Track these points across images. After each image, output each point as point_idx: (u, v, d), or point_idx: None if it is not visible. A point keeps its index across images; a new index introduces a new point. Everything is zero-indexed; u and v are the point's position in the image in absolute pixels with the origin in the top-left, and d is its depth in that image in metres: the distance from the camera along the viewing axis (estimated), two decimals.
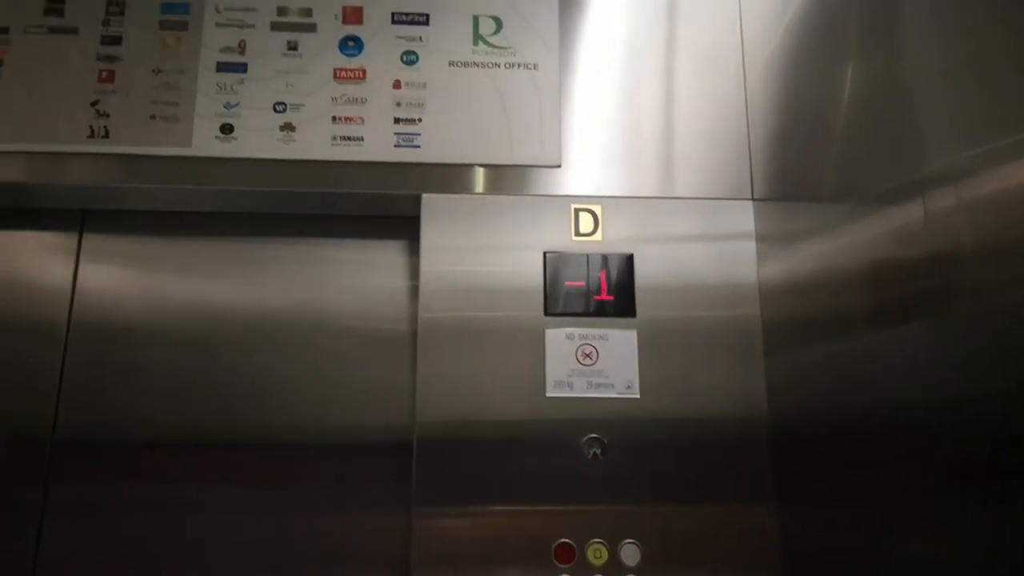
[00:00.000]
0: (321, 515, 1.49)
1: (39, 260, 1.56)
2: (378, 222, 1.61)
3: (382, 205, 1.57)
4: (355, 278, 1.59)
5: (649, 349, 1.46)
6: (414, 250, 1.54)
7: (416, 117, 1.54)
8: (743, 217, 1.53)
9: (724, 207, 1.53)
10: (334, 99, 1.54)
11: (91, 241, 1.58)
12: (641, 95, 1.59)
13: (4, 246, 1.56)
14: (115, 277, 1.56)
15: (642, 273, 1.49)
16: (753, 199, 1.53)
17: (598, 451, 1.40)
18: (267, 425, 1.52)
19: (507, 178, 1.54)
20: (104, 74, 1.52)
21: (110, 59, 1.52)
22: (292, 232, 1.60)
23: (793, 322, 1.38)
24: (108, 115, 1.49)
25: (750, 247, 1.52)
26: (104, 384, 1.52)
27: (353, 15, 1.58)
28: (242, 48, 1.55)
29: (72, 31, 1.54)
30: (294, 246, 1.60)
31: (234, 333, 1.55)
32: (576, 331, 1.45)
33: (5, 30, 1.53)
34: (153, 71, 1.52)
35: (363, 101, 1.54)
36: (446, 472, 1.39)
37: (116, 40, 1.53)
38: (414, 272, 1.56)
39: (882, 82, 1.10)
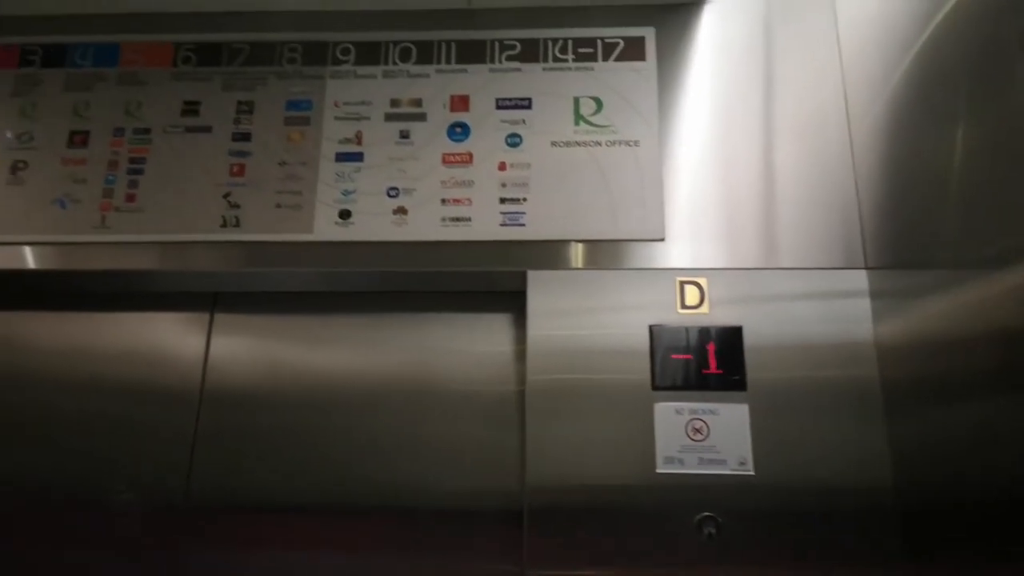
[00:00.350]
0: None
1: (175, 337, 1.69)
2: (485, 296, 1.66)
3: (489, 281, 1.62)
4: (463, 346, 1.64)
5: (762, 421, 1.43)
6: (520, 323, 1.58)
7: (521, 196, 1.60)
8: (856, 283, 1.49)
9: (836, 276, 1.50)
10: (443, 182, 1.62)
11: (221, 319, 1.69)
12: (743, 166, 1.60)
13: (144, 325, 1.70)
14: (243, 350, 1.67)
15: (751, 344, 1.47)
16: (867, 267, 1.49)
17: (713, 531, 1.37)
18: (381, 489, 1.57)
19: (610, 252, 1.56)
20: (235, 168, 1.65)
21: (240, 154, 1.66)
22: (403, 307, 1.68)
23: (916, 384, 1.32)
24: (239, 205, 1.62)
25: (865, 306, 1.48)
26: (232, 448, 1.61)
27: (460, 103, 1.67)
28: (358, 138, 1.66)
29: (207, 130, 1.69)
30: (405, 320, 1.67)
31: (350, 401, 1.63)
32: (685, 405, 1.44)
33: (147, 130, 1.70)
34: (279, 163, 1.65)
35: (470, 183, 1.61)
36: (557, 540, 1.40)
37: (246, 136, 1.67)
38: (520, 339, 1.59)
39: (998, 140, 1.07)
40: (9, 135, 1.70)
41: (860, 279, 1.49)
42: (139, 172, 1.65)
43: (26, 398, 1.66)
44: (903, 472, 1.35)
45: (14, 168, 1.67)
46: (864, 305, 1.48)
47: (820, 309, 1.49)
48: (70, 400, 1.65)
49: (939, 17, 1.25)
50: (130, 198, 1.63)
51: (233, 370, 1.66)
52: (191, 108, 1.70)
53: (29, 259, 1.62)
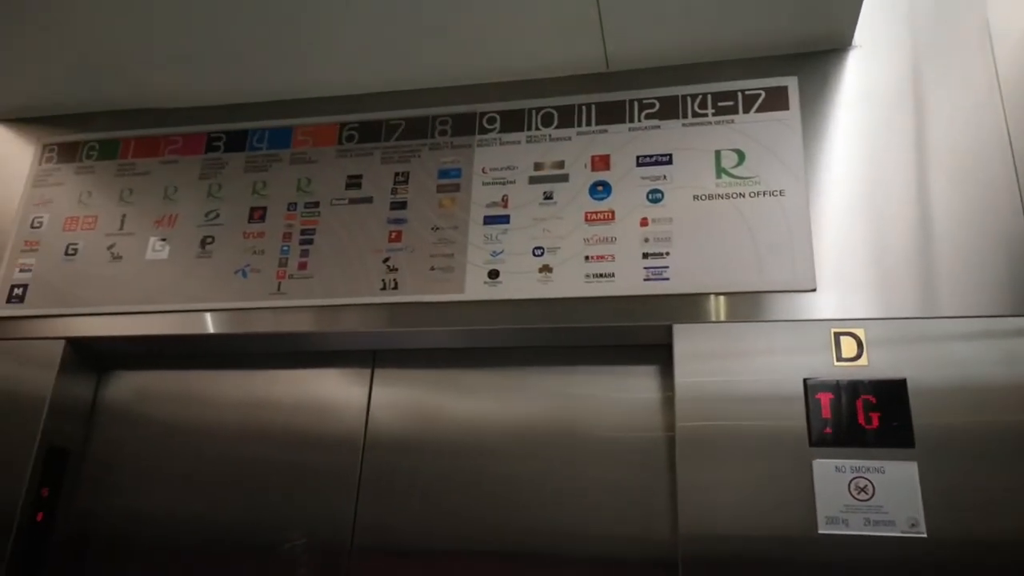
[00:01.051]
0: None
1: (340, 391, 1.82)
2: (631, 349, 1.68)
3: (634, 335, 1.64)
4: (609, 393, 1.67)
5: (933, 479, 1.35)
6: (667, 373, 1.59)
7: (664, 251, 1.61)
8: None
9: (1004, 324, 1.41)
10: (586, 240, 1.67)
11: (381, 374, 1.81)
12: (896, 211, 1.54)
13: (313, 380, 1.84)
14: (401, 401, 1.78)
15: (917, 397, 1.40)
16: None
17: None
18: (533, 535, 1.61)
19: (758, 304, 1.54)
20: (393, 234, 1.78)
21: (398, 221, 1.79)
22: (551, 361, 1.72)
23: None
24: (397, 269, 1.74)
25: None
26: (393, 492, 1.70)
27: (601, 162, 1.72)
28: (504, 202, 1.74)
29: (368, 200, 1.83)
30: (552, 372, 1.71)
31: (501, 448, 1.69)
32: (847, 463, 1.39)
33: (316, 204, 1.86)
34: (432, 229, 1.76)
35: (613, 240, 1.65)
36: None
37: (402, 205, 1.80)
38: (667, 387, 1.60)
39: None
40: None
41: None
42: (310, 242, 1.81)
43: (208, 449, 1.83)
44: None
45: (203, 243, 1.88)
46: None
47: (990, 352, 1.40)
48: (247, 450, 1.81)
49: None
50: (302, 266, 1.80)
51: (392, 421, 1.76)
52: (354, 181, 1.86)
53: (216, 324, 1.81)
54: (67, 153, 2.06)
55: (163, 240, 1.91)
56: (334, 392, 1.82)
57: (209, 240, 1.88)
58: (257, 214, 1.88)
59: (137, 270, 1.88)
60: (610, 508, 1.58)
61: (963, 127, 1.57)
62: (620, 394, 1.66)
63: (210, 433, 1.85)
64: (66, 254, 1.94)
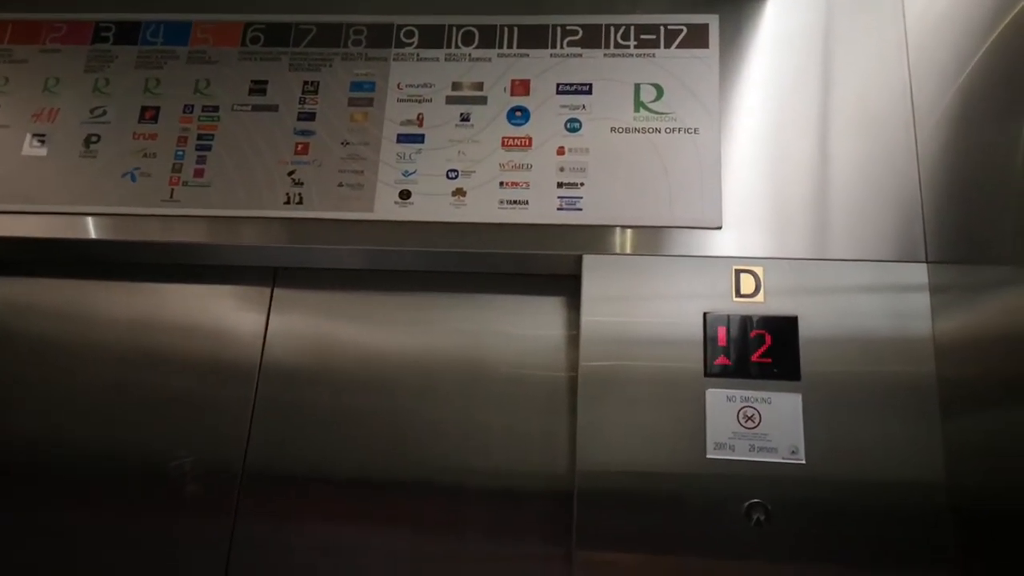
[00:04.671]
0: (482, 558, 1.55)
1: (237, 311, 1.74)
2: (540, 279, 1.68)
3: (544, 264, 1.64)
4: (516, 329, 1.67)
5: (815, 412, 1.43)
6: (574, 305, 1.60)
7: (579, 181, 1.61)
8: (916, 276, 1.49)
9: (894, 269, 1.50)
10: (502, 166, 1.64)
11: (281, 294, 1.74)
12: (803, 156, 1.59)
13: (205, 298, 1.75)
14: (300, 327, 1.72)
15: (806, 335, 1.48)
16: (928, 261, 1.48)
17: (762, 517, 1.38)
18: (430, 467, 1.61)
19: (667, 239, 1.57)
20: (300, 146, 1.69)
21: (305, 133, 1.70)
22: (458, 288, 1.70)
23: (974, 381, 1.32)
24: (302, 183, 1.66)
25: (924, 301, 1.47)
26: (287, 422, 1.66)
27: (521, 87, 1.69)
28: (420, 120, 1.69)
29: (273, 108, 1.73)
30: (460, 300, 1.70)
31: (404, 379, 1.66)
32: (737, 393, 1.45)
33: (215, 108, 1.74)
34: (342, 143, 1.68)
35: (529, 167, 1.63)
36: (607, 522, 1.42)
37: (311, 116, 1.71)
38: (573, 324, 1.61)
39: None
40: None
41: (920, 273, 1.48)
42: (207, 148, 1.70)
43: (88, 366, 1.72)
44: (956, 470, 1.35)
45: (87, 141, 1.73)
46: (923, 300, 1.47)
47: (878, 302, 1.48)
48: (132, 372, 1.71)
49: (1014, 12, 1.24)
50: (198, 173, 1.68)
51: (290, 347, 1.70)
52: (259, 87, 1.75)
53: (99, 230, 1.68)
54: None
55: (41, 136, 1.74)
56: (229, 313, 1.74)
57: (94, 139, 1.73)
58: (149, 114, 1.74)
59: (11, 167, 1.72)
60: (511, 444, 1.60)
61: (869, 78, 1.63)
62: (526, 331, 1.67)
63: (91, 351, 1.73)
64: None
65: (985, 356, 1.28)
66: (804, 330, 1.48)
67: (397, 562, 1.56)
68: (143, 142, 1.72)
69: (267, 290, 1.74)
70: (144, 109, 1.75)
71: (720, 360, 1.48)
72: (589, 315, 1.53)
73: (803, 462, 1.41)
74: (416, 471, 1.61)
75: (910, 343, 1.45)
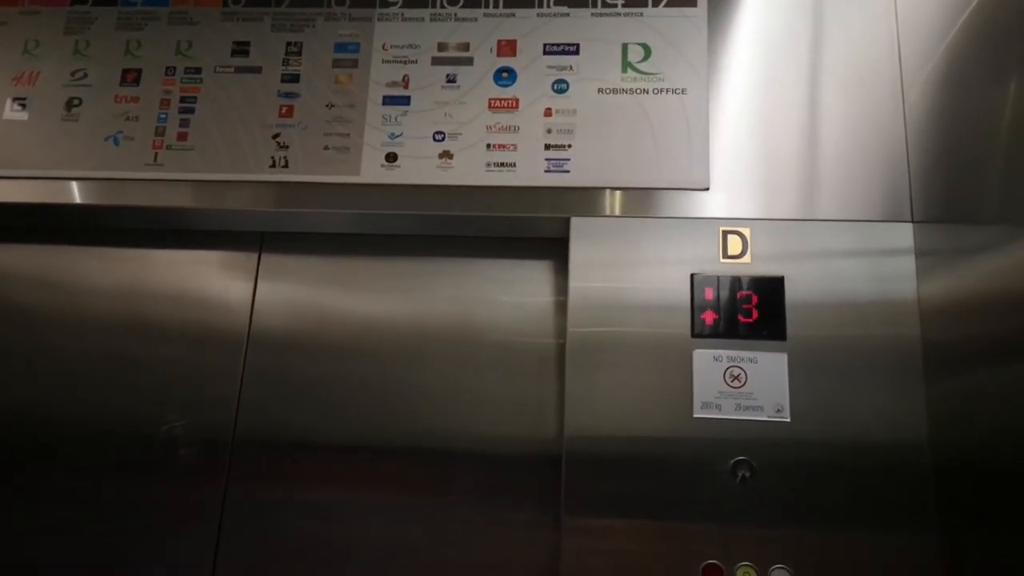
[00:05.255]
0: (471, 523, 1.57)
1: (223, 276, 1.73)
2: (528, 243, 1.68)
3: (532, 227, 1.63)
4: (505, 295, 1.67)
5: (800, 372, 1.44)
6: (562, 269, 1.60)
7: (566, 143, 1.60)
8: (901, 237, 1.49)
9: (881, 229, 1.50)
10: (488, 127, 1.63)
11: (269, 260, 1.73)
12: (790, 117, 1.59)
13: (192, 264, 1.74)
14: (289, 292, 1.71)
15: (792, 295, 1.48)
16: (913, 221, 1.49)
17: (747, 474, 1.40)
18: (419, 433, 1.61)
19: (655, 201, 1.57)
20: (284, 109, 1.67)
21: (289, 95, 1.68)
22: (447, 252, 1.70)
23: (958, 343, 1.32)
24: (287, 146, 1.65)
25: (909, 263, 1.47)
26: (277, 391, 1.66)
27: (507, 47, 1.67)
28: (405, 82, 1.67)
29: (256, 70, 1.70)
30: (448, 265, 1.69)
31: (393, 345, 1.66)
32: (724, 353, 1.46)
33: (198, 70, 1.72)
34: (327, 106, 1.66)
35: (516, 129, 1.62)
36: (594, 486, 1.43)
37: (295, 78, 1.69)
38: (561, 289, 1.61)
39: None
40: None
41: (905, 233, 1.49)
42: (191, 111, 1.68)
43: (72, 333, 1.72)
44: (939, 432, 1.37)
45: (69, 105, 1.71)
46: (908, 263, 1.47)
47: (864, 265, 1.48)
48: (119, 336, 1.71)
49: None
50: (182, 136, 1.67)
51: (279, 312, 1.70)
52: (241, 48, 1.72)
53: (82, 194, 1.67)
54: None
55: (22, 100, 1.72)
56: (217, 278, 1.73)
57: (76, 102, 1.71)
58: (131, 77, 1.72)
59: None
60: (500, 411, 1.60)
61: (857, 37, 1.61)
62: (515, 298, 1.66)
63: (76, 318, 1.73)
64: None
65: (968, 318, 1.29)
66: (790, 290, 1.48)
67: (386, 527, 1.58)
68: (125, 105, 1.70)
69: (255, 255, 1.73)
70: (126, 72, 1.72)
71: (707, 321, 1.48)
72: (577, 280, 1.53)
73: (788, 420, 1.42)
74: (405, 437, 1.61)
75: (895, 306, 1.46)
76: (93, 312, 1.73)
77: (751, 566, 1.36)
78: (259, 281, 1.72)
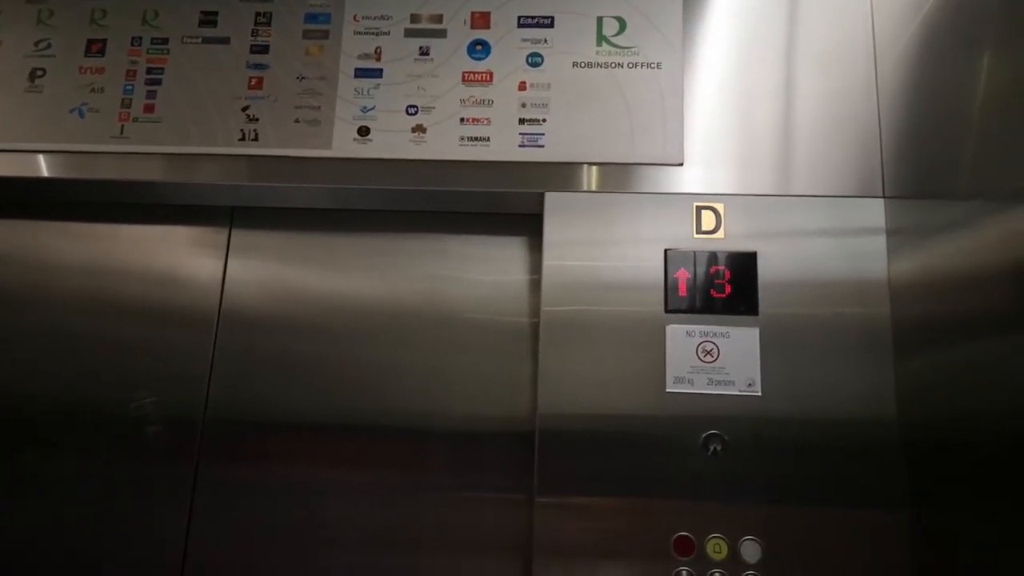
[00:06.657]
0: (445, 501, 1.57)
1: (192, 253, 1.70)
2: (502, 218, 1.66)
3: (506, 203, 1.62)
4: (479, 272, 1.66)
5: (772, 347, 1.45)
6: (536, 246, 1.59)
7: (540, 117, 1.59)
8: (873, 214, 1.49)
9: (853, 205, 1.50)
10: (462, 101, 1.61)
11: (239, 235, 1.71)
12: (764, 92, 1.58)
13: (161, 239, 1.71)
14: (260, 269, 1.69)
15: (765, 271, 1.49)
16: (884, 196, 1.49)
17: (718, 448, 1.41)
18: (392, 412, 1.61)
19: (629, 176, 1.56)
20: (253, 81, 1.64)
21: (259, 67, 1.65)
22: (420, 228, 1.68)
23: (927, 321, 1.34)
24: (257, 119, 1.62)
25: (880, 242, 1.48)
26: (248, 369, 1.64)
27: (481, 20, 1.65)
28: (378, 54, 1.64)
29: (224, 41, 1.67)
30: (422, 241, 1.68)
31: (366, 323, 1.65)
32: (697, 328, 1.46)
33: (165, 40, 1.68)
34: (297, 78, 1.63)
35: (490, 103, 1.60)
36: (567, 463, 1.44)
37: (264, 49, 1.66)
38: (535, 267, 1.61)
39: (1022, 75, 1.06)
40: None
41: (877, 208, 1.49)
42: (157, 83, 1.64)
43: (38, 310, 1.69)
44: (908, 408, 1.38)
45: (32, 75, 1.67)
46: (880, 241, 1.48)
47: (836, 242, 1.49)
48: (86, 313, 1.68)
49: None
50: (148, 108, 1.63)
51: (250, 290, 1.68)
52: (209, 19, 1.68)
53: (47, 167, 1.63)
54: None
55: None
56: (187, 254, 1.70)
57: (39, 73, 1.67)
58: (95, 47, 1.67)
59: None
60: (474, 389, 1.60)
61: (832, 13, 1.60)
62: (490, 276, 1.65)
63: (42, 294, 1.69)
64: None
65: (936, 296, 1.30)
66: (763, 266, 1.49)
67: (360, 504, 1.57)
68: (90, 76, 1.66)
69: (225, 231, 1.70)
70: (90, 42, 1.68)
71: (680, 296, 1.48)
72: (551, 259, 1.52)
73: (759, 395, 1.43)
74: (378, 415, 1.60)
75: (866, 284, 1.47)
76: (59, 288, 1.69)
77: (722, 538, 1.38)
78: (230, 257, 1.69)
